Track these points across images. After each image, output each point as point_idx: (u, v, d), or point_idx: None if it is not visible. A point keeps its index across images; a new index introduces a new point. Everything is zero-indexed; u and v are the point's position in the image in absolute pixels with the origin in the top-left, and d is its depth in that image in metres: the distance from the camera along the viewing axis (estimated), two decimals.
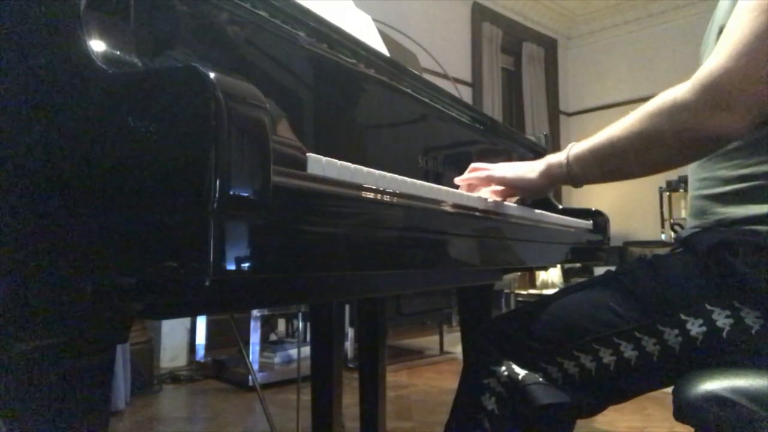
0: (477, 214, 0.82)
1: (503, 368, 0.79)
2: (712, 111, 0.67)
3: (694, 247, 0.76)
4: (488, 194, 0.95)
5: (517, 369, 0.78)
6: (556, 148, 1.26)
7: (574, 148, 0.83)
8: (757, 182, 0.76)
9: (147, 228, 0.43)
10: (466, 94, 4.75)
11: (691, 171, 0.88)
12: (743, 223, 0.75)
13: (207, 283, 0.41)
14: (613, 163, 0.79)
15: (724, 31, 0.70)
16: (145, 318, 0.65)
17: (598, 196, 5.19)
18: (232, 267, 0.41)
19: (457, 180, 0.99)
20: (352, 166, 0.59)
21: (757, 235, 0.72)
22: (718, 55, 0.68)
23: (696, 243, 0.76)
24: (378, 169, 0.64)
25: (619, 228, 4.69)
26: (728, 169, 0.79)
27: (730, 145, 0.79)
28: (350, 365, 2.99)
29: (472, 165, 0.98)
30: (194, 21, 0.67)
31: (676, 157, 0.75)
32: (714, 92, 0.67)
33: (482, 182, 0.96)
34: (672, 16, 5.19)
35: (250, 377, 2.56)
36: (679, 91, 0.70)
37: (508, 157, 1.50)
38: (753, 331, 0.70)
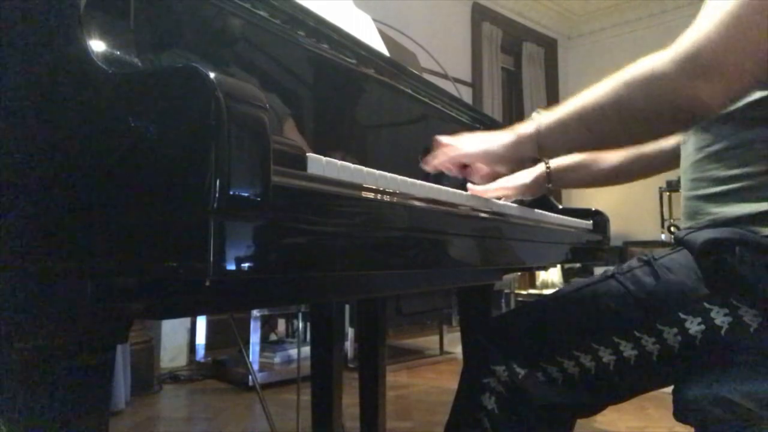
0: (477, 214, 0.82)
1: (503, 368, 0.79)
2: (691, 80, 0.65)
3: (691, 246, 0.76)
4: (452, 168, 0.90)
5: (517, 368, 0.78)
6: None
7: (543, 119, 0.79)
8: (748, 182, 0.75)
9: (147, 228, 0.43)
10: (466, 94, 4.75)
11: (683, 172, 0.87)
12: (737, 222, 0.74)
13: (207, 283, 0.41)
14: (585, 135, 0.75)
15: (707, 0, 0.67)
16: (145, 318, 0.65)
17: (598, 196, 5.18)
18: (232, 267, 0.41)
19: (424, 165, 0.92)
20: (352, 166, 0.59)
21: (754, 233, 0.72)
22: (701, 24, 0.65)
23: (693, 242, 0.76)
24: (378, 169, 0.64)
25: (619, 228, 4.68)
26: (719, 169, 0.79)
27: (720, 145, 0.78)
28: (350, 365, 2.99)
29: (436, 138, 0.91)
30: (194, 21, 0.67)
31: (651, 129, 0.72)
32: (695, 61, 0.64)
33: (447, 161, 0.89)
34: (672, 16, 5.18)
35: (250, 377, 2.56)
36: (658, 60, 0.68)
37: None
38: (751, 329, 0.70)
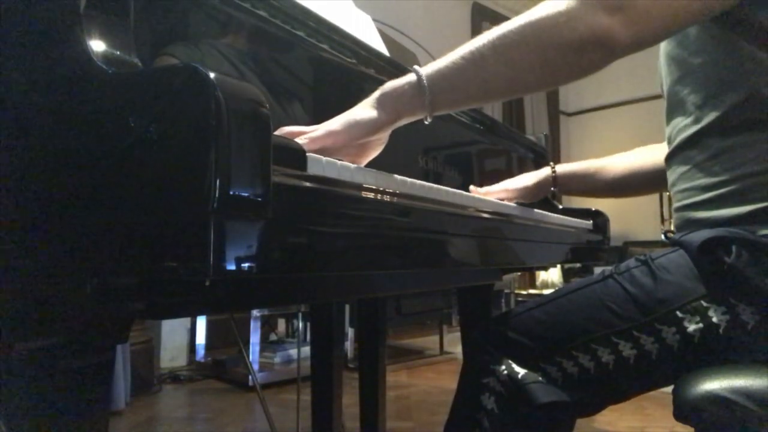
0: (477, 214, 0.82)
1: (503, 367, 0.79)
2: (596, 10, 0.63)
3: (687, 246, 0.76)
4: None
5: (516, 368, 0.78)
6: (556, 148, 1.26)
7: (427, 68, 0.69)
8: (735, 185, 0.76)
9: (147, 228, 0.43)
10: None
11: (671, 186, 0.88)
12: (729, 224, 0.75)
13: (207, 283, 0.41)
14: (497, 69, 0.67)
15: None
16: (145, 318, 0.65)
17: None
18: (231, 267, 0.41)
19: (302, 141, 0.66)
20: (352, 165, 0.59)
21: (750, 231, 0.72)
22: None
23: (689, 242, 0.76)
24: (378, 169, 0.64)
25: (619, 228, 4.68)
26: (706, 177, 0.79)
27: (705, 154, 0.78)
28: (350, 365, 2.99)
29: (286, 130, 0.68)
30: (194, 21, 0.67)
31: (566, 61, 0.66)
32: None
33: (311, 145, 0.66)
34: None
35: (250, 377, 2.56)
36: None
37: (508, 158, 1.50)
38: (749, 327, 0.70)
